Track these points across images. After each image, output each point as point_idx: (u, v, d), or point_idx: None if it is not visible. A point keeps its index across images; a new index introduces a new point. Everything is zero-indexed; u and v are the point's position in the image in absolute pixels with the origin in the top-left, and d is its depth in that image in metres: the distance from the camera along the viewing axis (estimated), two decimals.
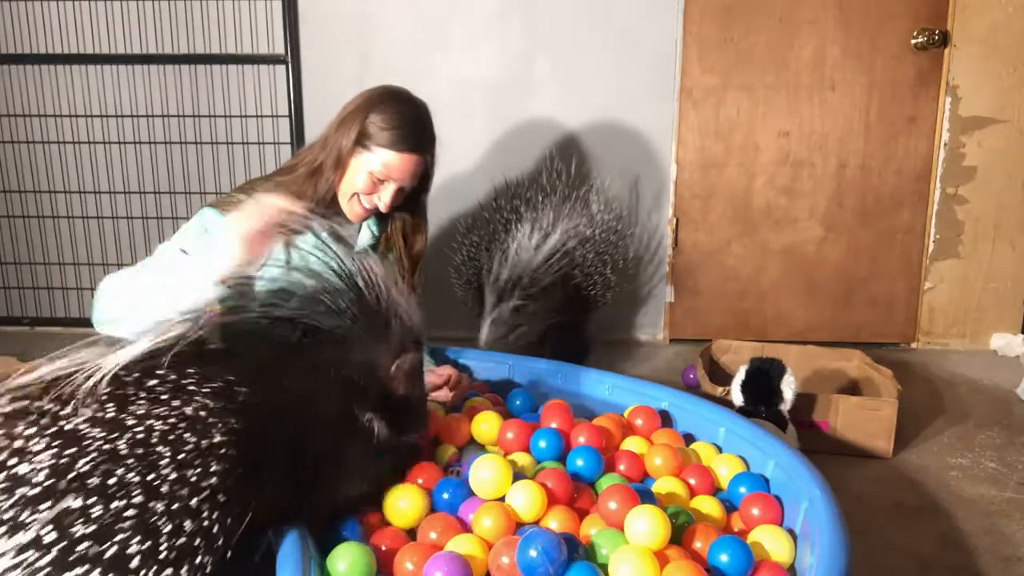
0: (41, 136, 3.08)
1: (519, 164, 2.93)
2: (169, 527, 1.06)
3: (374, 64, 2.96)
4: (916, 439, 2.22)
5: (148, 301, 1.41)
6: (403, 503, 1.43)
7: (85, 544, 0.99)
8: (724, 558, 1.28)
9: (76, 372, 1.10)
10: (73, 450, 1.04)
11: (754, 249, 3.07)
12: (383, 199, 1.81)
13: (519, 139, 2.99)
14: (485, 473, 1.44)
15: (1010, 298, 3.05)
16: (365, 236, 1.92)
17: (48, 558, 0.98)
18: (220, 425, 1.15)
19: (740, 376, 2.01)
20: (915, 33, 2.85)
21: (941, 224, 3.00)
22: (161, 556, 1.05)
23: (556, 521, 1.39)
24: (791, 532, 1.40)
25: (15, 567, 0.96)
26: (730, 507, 1.54)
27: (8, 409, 1.07)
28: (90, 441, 1.05)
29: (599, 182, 2.93)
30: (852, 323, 3.10)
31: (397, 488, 1.45)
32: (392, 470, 1.47)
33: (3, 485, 1.00)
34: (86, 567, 0.99)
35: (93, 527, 1.00)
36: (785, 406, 1.96)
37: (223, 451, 1.14)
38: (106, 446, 1.05)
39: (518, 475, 1.49)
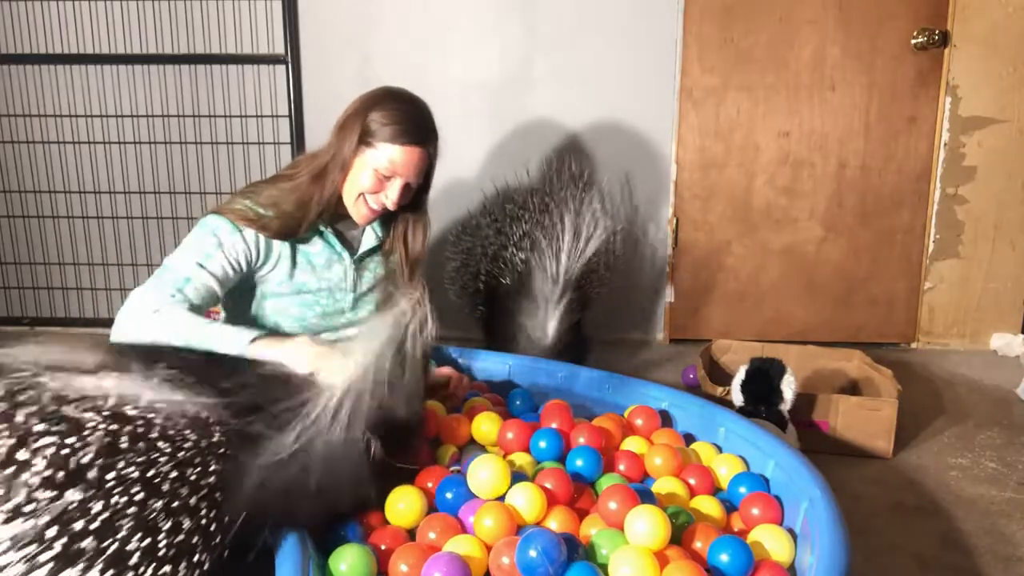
0: (41, 136, 3.08)
1: (519, 164, 2.92)
2: (168, 524, 1.06)
3: (374, 64, 2.96)
4: (916, 439, 2.22)
5: (168, 340, 1.48)
6: (403, 503, 1.43)
7: (86, 540, 0.99)
8: (724, 558, 1.28)
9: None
10: (73, 439, 1.04)
11: (754, 249, 3.07)
12: (390, 196, 1.80)
13: (519, 139, 2.99)
14: (484, 473, 1.44)
15: (1010, 298, 3.05)
16: (370, 239, 1.92)
17: (50, 553, 0.98)
18: (219, 425, 1.15)
19: (740, 376, 2.02)
20: (915, 33, 2.85)
21: (941, 224, 3.00)
22: (160, 553, 1.05)
23: (556, 521, 1.39)
24: (791, 532, 1.40)
25: (17, 562, 0.96)
26: (730, 507, 1.54)
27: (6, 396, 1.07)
28: (90, 431, 1.05)
29: (599, 182, 2.93)
30: (852, 323, 3.10)
31: (397, 489, 1.45)
32: (380, 492, 1.46)
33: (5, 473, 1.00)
34: (86, 563, 0.99)
35: (95, 523, 1.01)
36: (785, 406, 1.97)
37: (221, 451, 1.14)
38: (107, 438, 1.05)
39: (518, 475, 1.49)
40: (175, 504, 1.07)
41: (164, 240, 3.15)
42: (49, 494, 0.99)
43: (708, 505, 1.50)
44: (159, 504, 1.06)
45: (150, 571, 1.03)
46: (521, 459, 1.61)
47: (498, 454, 1.65)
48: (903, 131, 2.95)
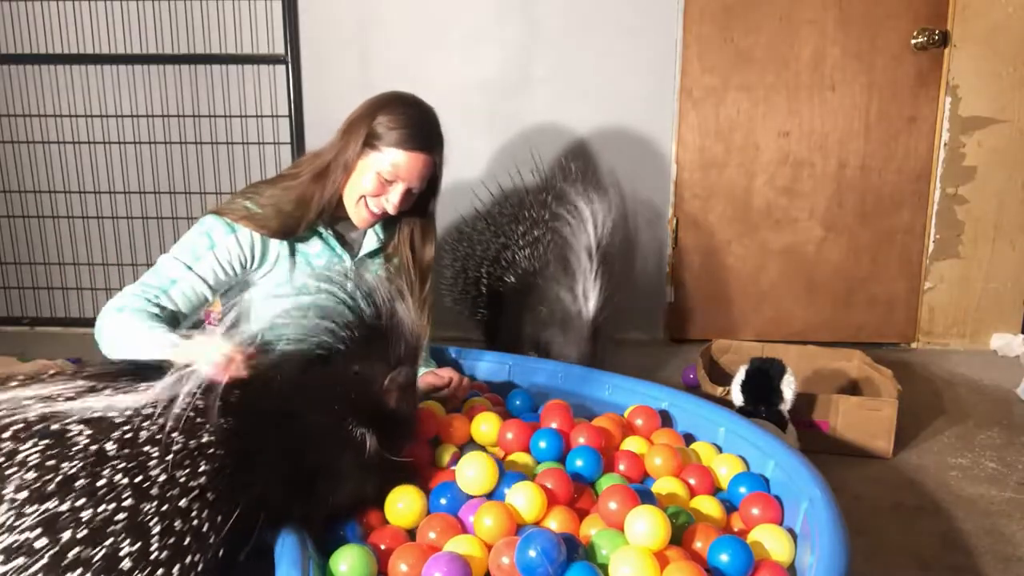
0: (41, 136, 3.08)
1: (518, 164, 2.92)
2: (159, 528, 1.06)
3: (374, 64, 2.96)
4: (916, 439, 2.22)
5: (129, 351, 1.48)
6: (403, 503, 1.43)
7: (76, 549, 0.99)
8: (724, 558, 1.28)
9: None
10: (60, 450, 1.04)
11: (754, 249, 3.07)
12: (391, 200, 1.80)
13: (519, 139, 2.99)
14: (471, 471, 1.45)
15: (1010, 298, 3.05)
16: (371, 241, 1.92)
17: (40, 564, 0.98)
18: (209, 425, 1.15)
19: (740, 376, 2.01)
20: (915, 33, 2.85)
21: (941, 224, 3.00)
22: (152, 556, 1.05)
23: (556, 521, 1.39)
24: (791, 532, 1.40)
25: (6, 574, 0.97)
26: (730, 507, 1.54)
27: None
28: (77, 442, 1.05)
29: (599, 182, 2.93)
30: (852, 323, 3.10)
31: (397, 489, 1.45)
32: (380, 487, 1.46)
33: None
34: (78, 570, 0.99)
35: (84, 531, 1.01)
36: (785, 406, 1.96)
37: (212, 451, 1.14)
38: (93, 446, 1.05)
39: (517, 475, 1.49)
40: (165, 507, 1.07)
41: (164, 240, 3.14)
42: (36, 507, 0.99)
43: (708, 505, 1.50)
44: (150, 508, 1.06)
45: (143, 574, 1.03)
46: (521, 459, 1.61)
47: (497, 454, 1.65)
48: (903, 131, 2.95)
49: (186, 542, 1.09)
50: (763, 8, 2.87)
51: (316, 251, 1.82)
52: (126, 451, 1.07)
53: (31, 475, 1.02)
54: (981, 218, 2.98)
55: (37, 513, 0.99)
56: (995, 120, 2.90)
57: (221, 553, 1.15)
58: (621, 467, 1.62)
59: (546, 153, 2.97)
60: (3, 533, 0.98)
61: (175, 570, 1.07)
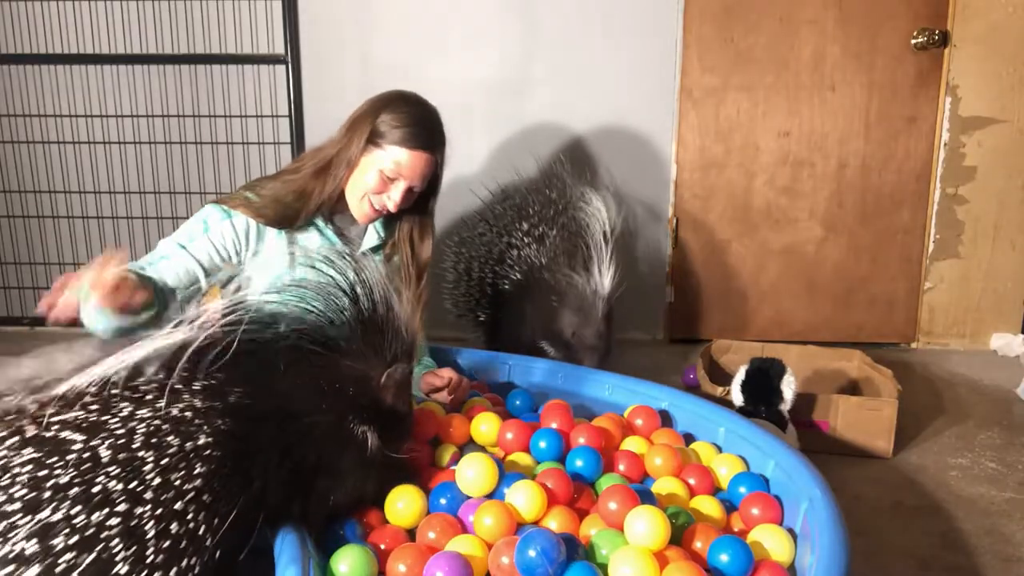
0: (41, 136, 3.08)
1: (519, 164, 2.92)
2: (154, 531, 1.06)
3: (374, 64, 2.96)
4: (916, 439, 2.22)
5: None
6: (403, 503, 1.43)
7: (70, 555, 0.99)
8: (724, 558, 1.28)
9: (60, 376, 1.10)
10: (54, 459, 1.04)
11: (754, 249, 3.07)
12: (393, 198, 1.81)
13: (518, 139, 2.99)
14: (471, 472, 1.45)
15: (1010, 298, 3.05)
16: (371, 238, 1.92)
17: (33, 571, 0.97)
18: (206, 427, 1.15)
19: (740, 376, 2.01)
20: (915, 33, 2.85)
21: (941, 224, 3.00)
22: (148, 560, 1.05)
23: (556, 521, 1.39)
24: (791, 532, 1.40)
25: None
26: (730, 507, 1.54)
27: None
28: (71, 449, 1.05)
29: (599, 182, 2.93)
30: (852, 323, 3.10)
31: (397, 489, 1.45)
32: (382, 487, 1.45)
33: None
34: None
35: (76, 537, 1.00)
36: (785, 406, 1.96)
37: (208, 452, 1.14)
38: (87, 453, 1.05)
39: (517, 475, 1.49)
40: (160, 511, 1.07)
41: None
42: (28, 517, 0.99)
43: (708, 505, 1.50)
44: (144, 512, 1.06)
45: None
46: (521, 459, 1.61)
47: (497, 454, 1.65)
48: (903, 131, 2.95)
49: (182, 545, 1.09)
50: (763, 8, 2.87)
51: (314, 245, 1.83)
52: (120, 456, 1.07)
53: (24, 485, 1.02)
54: (981, 218, 2.98)
55: (31, 523, 0.99)
56: (995, 120, 2.90)
57: (218, 555, 1.15)
58: (621, 467, 1.62)
59: (546, 153, 2.97)
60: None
61: (172, 573, 1.07)
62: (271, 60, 2.96)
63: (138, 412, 1.11)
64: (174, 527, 1.08)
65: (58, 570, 0.99)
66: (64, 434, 1.06)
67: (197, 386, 1.18)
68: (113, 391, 1.12)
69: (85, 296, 1.36)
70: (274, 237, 1.78)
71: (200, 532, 1.11)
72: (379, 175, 1.78)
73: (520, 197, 2.66)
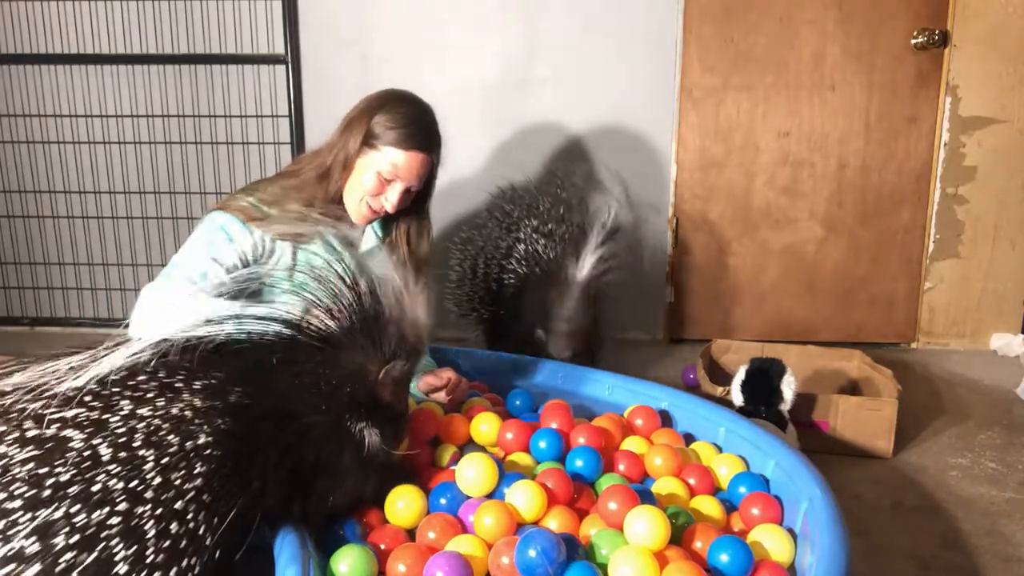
0: (41, 136, 3.08)
1: (519, 164, 2.92)
2: (154, 531, 1.06)
3: (374, 64, 2.96)
4: (916, 439, 2.22)
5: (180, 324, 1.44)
6: (403, 503, 1.43)
7: (70, 554, 0.99)
8: (724, 558, 1.28)
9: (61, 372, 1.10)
10: (55, 457, 1.04)
11: (754, 249, 3.07)
12: (390, 199, 1.81)
13: (519, 139, 2.99)
14: (471, 472, 1.45)
15: (1010, 298, 3.05)
16: (370, 239, 1.92)
17: (34, 570, 0.97)
18: (206, 426, 1.15)
19: (740, 376, 2.01)
20: (915, 33, 2.85)
21: (941, 224, 3.00)
22: (148, 560, 1.05)
23: (556, 521, 1.39)
24: (791, 532, 1.40)
25: None
26: (730, 507, 1.54)
27: None
28: (71, 447, 1.05)
29: (599, 182, 2.93)
30: (852, 323, 3.10)
31: (397, 489, 1.45)
32: (382, 487, 1.45)
33: None
34: (73, 575, 0.99)
35: (76, 536, 1.00)
36: (785, 406, 1.96)
37: (208, 452, 1.14)
38: (87, 451, 1.05)
39: (517, 475, 1.49)
40: (160, 510, 1.07)
41: (164, 240, 3.15)
42: (29, 515, 0.99)
43: (708, 505, 1.50)
44: (145, 511, 1.06)
45: None
46: (521, 459, 1.61)
47: (497, 454, 1.65)
48: (903, 131, 2.95)
49: (182, 545, 1.09)
50: (763, 8, 2.87)
51: (315, 248, 1.83)
52: (121, 454, 1.07)
53: (24, 483, 1.02)
54: (981, 218, 2.98)
55: (31, 521, 0.99)
56: (995, 120, 2.90)
57: (217, 555, 1.15)
58: (621, 467, 1.62)
59: (546, 153, 2.97)
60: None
61: (172, 573, 1.07)
62: (271, 60, 2.96)
63: (139, 410, 1.11)
64: (174, 527, 1.08)
65: (58, 569, 0.99)
66: (65, 432, 1.06)
67: (197, 385, 1.18)
68: (114, 389, 1.12)
69: None
70: (280, 243, 1.78)
71: (200, 532, 1.11)
72: (376, 177, 1.78)
73: (530, 195, 2.66)
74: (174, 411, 1.13)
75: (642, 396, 1.92)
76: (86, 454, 1.05)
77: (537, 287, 2.42)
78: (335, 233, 1.86)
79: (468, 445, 1.73)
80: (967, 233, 3.00)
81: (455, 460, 1.66)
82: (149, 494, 1.07)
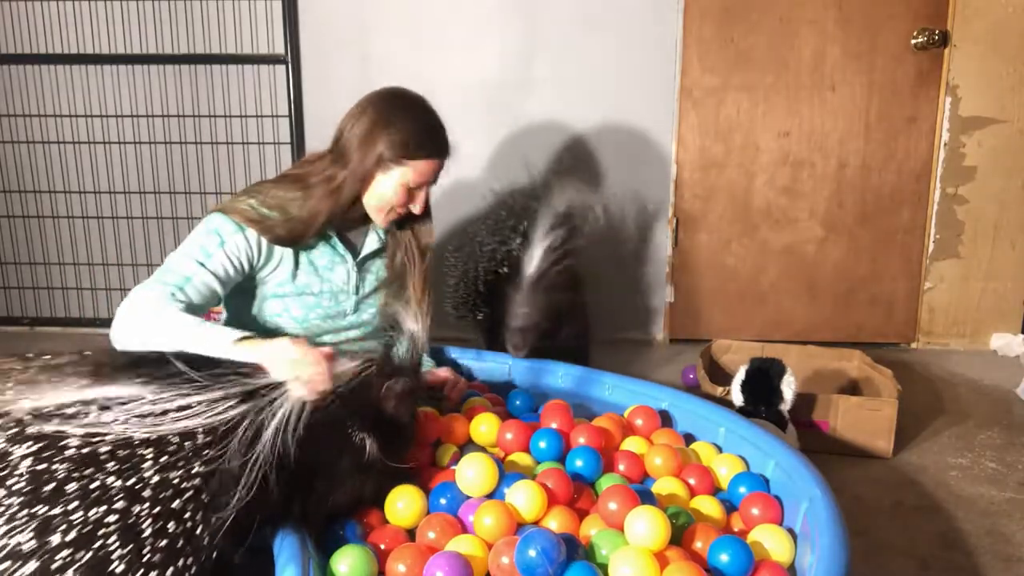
0: (41, 136, 3.08)
1: (519, 164, 2.92)
2: (152, 529, 1.06)
3: (374, 64, 2.96)
4: (916, 439, 2.22)
5: (163, 341, 1.44)
6: (402, 503, 1.43)
7: (66, 552, 0.99)
8: (724, 558, 1.28)
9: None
10: (53, 454, 1.04)
11: (754, 249, 3.07)
12: (419, 202, 1.84)
13: (519, 139, 2.99)
14: (471, 472, 1.45)
15: (1010, 298, 3.05)
16: (372, 242, 1.92)
17: (23, 568, 0.97)
18: (203, 426, 1.15)
19: (740, 376, 2.01)
20: (915, 33, 2.85)
21: (941, 224, 3.00)
22: (145, 559, 1.05)
23: (556, 521, 1.39)
24: (791, 532, 1.40)
25: None
26: (730, 507, 1.54)
27: None
28: (69, 445, 1.05)
29: (599, 182, 2.93)
30: (852, 323, 3.10)
31: (397, 489, 1.45)
32: (380, 492, 1.46)
33: None
34: (68, 573, 0.99)
35: (73, 534, 1.00)
36: (785, 406, 1.96)
37: (207, 452, 1.14)
38: (85, 449, 1.05)
39: (517, 475, 1.49)
40: (158, 509, 1.07)
41: (164, 240, 3.15)
42: (26, 512, 0.99)
43: (708, 505, 1.50)
44: (142, 510, 1.05)
45: None
46: (521, 459, 1.61)
47: (497, 454, 1.65)
48: (903, 131, 2.95)
49: (179, 544, 1.09)
50: (763, 8, 2.87)
51: (319, 252, 1.83)
52: (119, 452, 1.07)
53: (22, 480, 1.02)
54: (981, 218, 2.98)
55: (28, 518, 0.99)
56: (995, 120, 2.90)
57: (215, 555, 1.15)
58: (621, 467, 1.62)
59: (546, 153, 2.97)
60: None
61: (168, 572, 1.07)
62: (271, 60, 2.96)
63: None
64: (171, 526, 1.08)
65: (54, 566, 0.99)
66: (63, 429, 1.06)
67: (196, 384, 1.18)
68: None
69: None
70: (279, 247, 1.78)
71: (198, 531, 1.11)
72: (404, 189, 1.77)
73: (508, 195, 2.65)
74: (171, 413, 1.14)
75: (642, 396, 1.92)
76: (84, 451, 1.05)
77: (505, 286, 2.39)
78: (337, 235, 1.86)
79: (468, 445, 1.73)
80: (967, 233, 3.00)
81: (455, 460, 1.66)
82: (147, 492, 1.07)
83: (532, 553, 1.20)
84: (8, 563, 0.97)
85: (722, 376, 2.51)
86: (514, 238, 2.37)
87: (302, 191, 1.76)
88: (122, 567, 1.02)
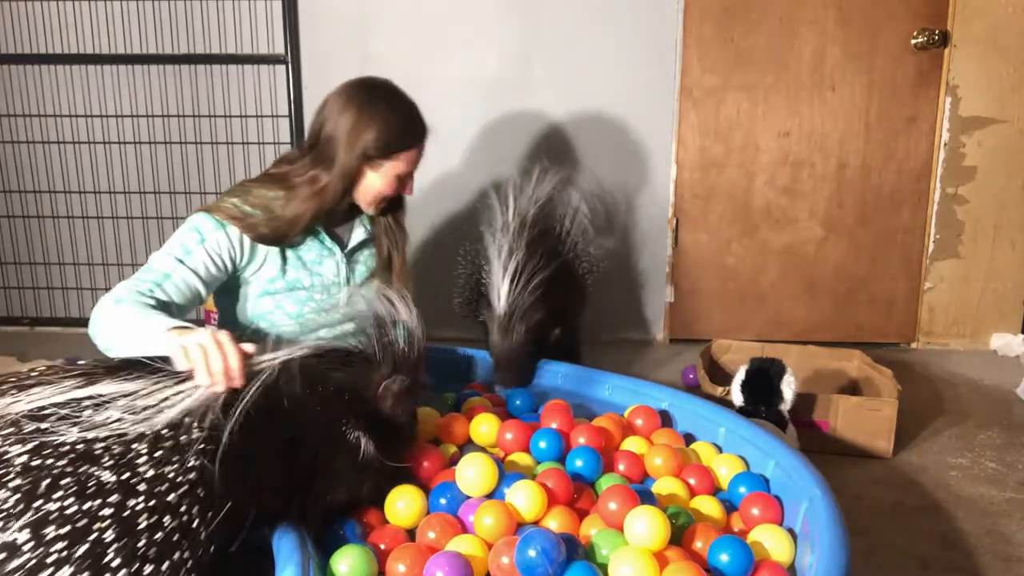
0: (41, 136, 3.08)
1: (518, 164, 2.92)
2: (147, 523, 1.06)
3: (374, 64, 2.95)
4: (916, 439, 2.22)
5: (127, 341, 1.43)
6: (402, 503, 1.43)
7: (61, 545, 0.99)
8: (724, 558, 1.28)
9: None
10: (48, 450, 1.04)
11: (754, 249, 3.07)
12: (409, 186, 1.87)
13: (519, 139, 2.99)
14: (470, 472, 1.45)
15: (1010, 298, 3.05)
16: (359, 233, 1.92)
17: (17, 561, 0.97)
18: (199, 421, 1.15)
19: (740, 376, 2.01)
20: (915, 33, 2.85)
21: (941, 224, 3.00)
22: (140, 552, 1.04)
23: (556, 521, 1.39)
24: (791, 532, 1.40)
25: None
26: (730, 507, 1.54)
27: None
28: (65, 440, 1.05)
29: (599, 182, 2.93)
30: (852, 323, 3.10)
31: (396, 489, 1.45)
32: (376, 490, 1.45)
33: None
34: (64, 568, 0.99)
35: (68, 527, 1.00)
36: (785, 406, 1.96)
37: (203, 446, 1.14)
38: (80, 445, 1.05)
39: (517, 475, 1.49)
40: (153, 503, 1.07)
41: (164, 240, 3.11)
42: (21, 507, 0.99)
43: (708, 505, 1.50)
44: (138, 504, 1.05)
45: (131, 571, 1.03)
46: (521, 459, 1.61)
47: (497, 454, 1.65)
48: (903, 131, 2.95)
49: (175, 538, 1.09)
50: (763, 8, 2.87)
51: (305, 247, 1.83)
52: (114, 448, 1.07)
53: (17, 475, 1.02)
54: (981, 218, 2.98)
55: (23, 513, 0.99)
56: (995, 120, 2.90)
57: (212, 549, 1.15)
58: (621, 467, 1.62)
59: (546, 152, 2.97)
60: None
61: (164, 566, 1.07)
62: (271, 60, 2.96)
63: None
64: (167, 520, 1.08)
65: (49, 560, 0.99)
66: (59, 425, 1.07)
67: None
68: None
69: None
70: (263, 246, 1.78)
71: (193, 525, 1.11)
72: (395, 180, 1.80)
73: (496, 195, 2.64)
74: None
75: (642, 396, 1.92)
76: (79, 447, 1.05)
77: (487, 311, 2.25)
78: (325, 230, 1.85)
79: (467, 445, 1.73)
80: (967, 233, 3.00)
81: (455, 460, 1.66)
82: (142, 487, 1.07)
83: (532, 553, 1.20)
84: (3, 555, 0.97)
85: (722, 376, 2.51)
86: (482, 271, 2.27)
87: (285, 191, 1.76)
88: (118, 560, 1.02)
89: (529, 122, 2.99)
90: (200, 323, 1.86)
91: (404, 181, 1.84)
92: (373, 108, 1.76)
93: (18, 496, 1.00)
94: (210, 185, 3.08)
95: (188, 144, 3.06)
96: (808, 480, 1.43)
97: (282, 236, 1.74)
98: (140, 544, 1.05)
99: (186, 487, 1.11)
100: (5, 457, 1.03)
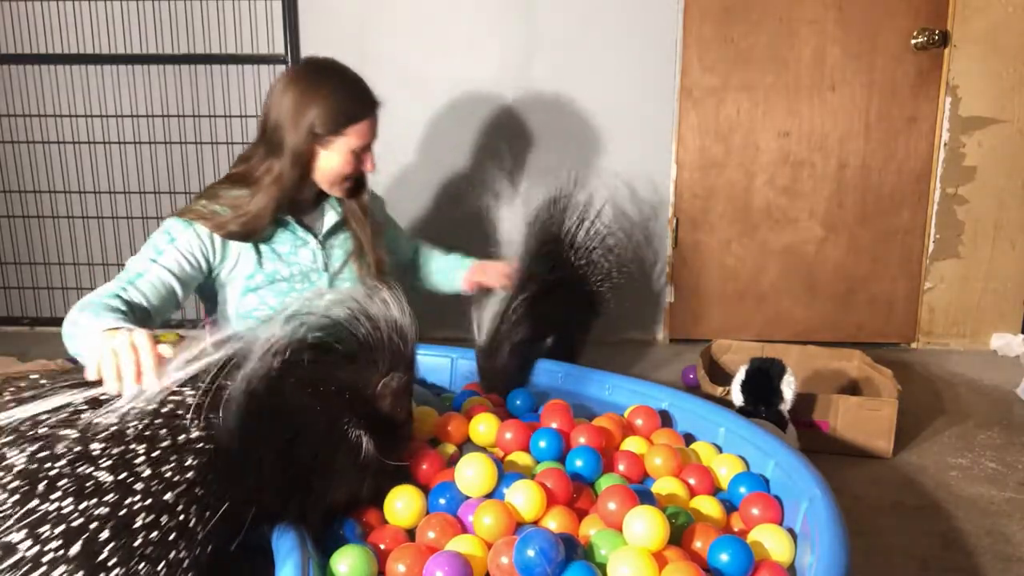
0: (41, 136, 3.08)
1: (518, 164, 2.93)
2: (143, 523, 1.06)
3: (374, 64, 2.94)
4: (916, 439, 2.22)
5: (82, 346, 1.41)
6: (401, 503, 1.43)
7: (57, 544, 0.99)
8: (724, 558, 1.28)
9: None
10: (45, 453, 1.04)
11: (754, 249, 3.07)
12: (369, 162, 1.85)
13: (518, 139, 2.99)
14: (470, 471, 1.44)
15: (1010, 298, 3.05)
16: (331, 217, 1.92)
17: (12, 559, 0.97)
18: (198, 421, 1.15)
19: (740, 376, 2.01)
20: (915, 33, 2.85)
21: (941, 224, 3.00)
22: (137, 552, 1.04)
23: (555, 521, 1.39)
24: (791, 532, 1.40)
25: None
26: (730, 507, 1.54)
27: None
28: (63, 445, 1.05)
29: (599, 182, 2.93)
30: (852, 323, 3.10)
31: (396, 488, 1.45)
32: (376, 489, 1.45)
33: None
34: (60, 567, 0.99)
35: (64, 527, 1.00)
36: (785, 406, 1.96)
37: (200, 445, 1.14)
38: (78, 447, 1.05)
39: (516, 475, 1.48)
40: (150, 502, 1.07)
41: None
42: (17, 507, 0.99)
43: (708, 505, 1.49)
44: (135, 504, 1.05)
45: (128, 570, 1.03)
46: (521, 459, 1.61)
47: (496, 454, 1.65)
48: (903, 131, 2.95)
49: (172, 538, 1.08)
50: (763, 8, 2.87)
51: (278, 239, 1.83)
52: (113, 450, 1.07)
53: (13, 475, 1.02)
54: (981, 218, 2.98)
55: (19, 513, 0.99)
56: (995, 120, 2.90)
57: (209, 548, 1.15)
58: (621, 467, 1.62)
59: (546, 153, 2.97)
60: None
61: (161, 566, 1.07)
62: (271, 60, 2.96)
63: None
64: (164, 519, 1.08)
65: (45, 559, 0.98)
66: (57, 428, 1.07)
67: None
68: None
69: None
70: (235, 243, 1.78)
71: (191, 524, 1.11)
72: (351, 156, 1.79)
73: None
74: (164, 411, 1.14)
75: (642, 396, 1.92)
76: (76, 448, 1.05)
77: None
78: (295, 219, 1.85)
79: (467, 445, 1.72)
80: (967, 233, 3.00)
81: (455, 460, 1.66)
82: (139, 486, 1.07)
83: (531, 553, 1.20)
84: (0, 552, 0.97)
85: (722, 376, 2.51)
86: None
87: (249, 187, 1.78)
88: (114, 559, 1.02)
89: (529, 122, 2.99)
90: (200, 324, 1.86)
91: (361, 157, 1.82)
92: (314, 86, 1.76)
93: (16, 498, 1.00)
94: None
95: (188, 144, 3.06)
96: (808, 480, 1.43)
97: (251, 231, 1.74)
98: (137, 544, 1.04)
99: (184, 487, 1.11)
100: (2, 456, 1.03)
